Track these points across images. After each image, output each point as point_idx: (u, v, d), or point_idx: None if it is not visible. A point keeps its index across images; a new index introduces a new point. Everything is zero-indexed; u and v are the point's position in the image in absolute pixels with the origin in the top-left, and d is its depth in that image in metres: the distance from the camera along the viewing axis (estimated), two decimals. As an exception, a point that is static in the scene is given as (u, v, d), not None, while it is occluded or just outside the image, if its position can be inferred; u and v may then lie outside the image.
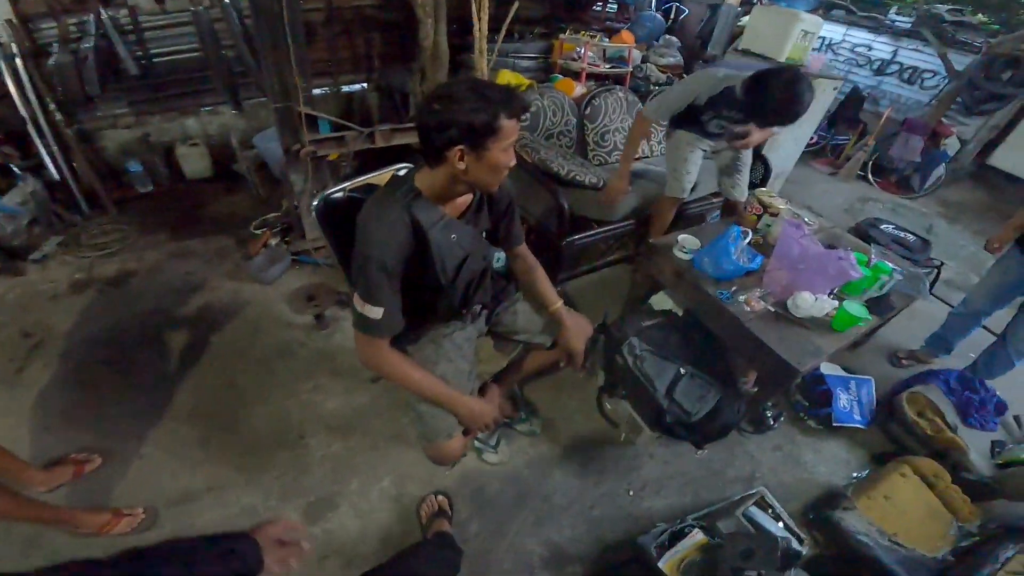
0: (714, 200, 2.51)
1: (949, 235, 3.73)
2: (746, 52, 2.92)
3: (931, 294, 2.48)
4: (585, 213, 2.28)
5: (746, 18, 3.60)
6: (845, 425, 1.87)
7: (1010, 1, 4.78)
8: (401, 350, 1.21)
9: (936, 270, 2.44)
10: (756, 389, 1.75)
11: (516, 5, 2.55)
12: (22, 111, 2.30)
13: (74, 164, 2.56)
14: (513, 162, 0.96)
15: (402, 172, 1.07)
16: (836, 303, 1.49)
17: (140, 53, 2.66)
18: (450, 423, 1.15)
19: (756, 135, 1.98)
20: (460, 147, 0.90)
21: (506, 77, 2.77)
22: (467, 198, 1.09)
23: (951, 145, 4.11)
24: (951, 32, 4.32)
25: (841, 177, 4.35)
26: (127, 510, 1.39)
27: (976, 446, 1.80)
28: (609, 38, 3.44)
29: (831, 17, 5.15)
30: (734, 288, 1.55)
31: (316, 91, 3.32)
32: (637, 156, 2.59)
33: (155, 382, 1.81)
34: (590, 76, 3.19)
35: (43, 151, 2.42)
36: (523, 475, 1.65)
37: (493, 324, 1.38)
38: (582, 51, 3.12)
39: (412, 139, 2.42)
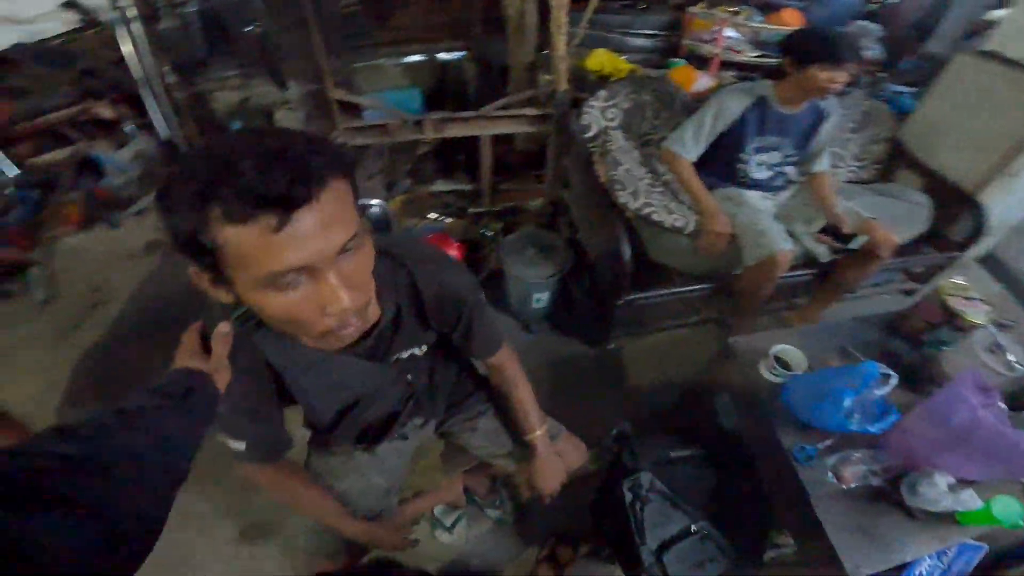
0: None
1: None
2: (992, 56, 1.94)
3: None
4: (666, 260, 1.76)
5: (1001, 11, 2.43)
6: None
7: None
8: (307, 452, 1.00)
9: None
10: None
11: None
12: (137, 73, 2.48)
13: (183, 125, 2.72)
14: (339, 304, 0.50)
15: None
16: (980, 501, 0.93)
17: (245, 17, 2.70)
18: (335, 546, 0.99)
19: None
20: (194, 267, 0.52)
21: (599, 59, 2.23)
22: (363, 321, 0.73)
23: None
24: None
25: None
26: None
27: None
28: (764, 16, 2.62)
29: None
30: (827, 444, 1.01)
31: (412, 58, 3.16)
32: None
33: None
34: (727, 65, 2.47)
35: (153, 112, 2.60)
36: (472, 564, 1.40)
37: (444, 433, 1.08)
38: (718, 30, 2.40)
39: (476, 131, 2.10)
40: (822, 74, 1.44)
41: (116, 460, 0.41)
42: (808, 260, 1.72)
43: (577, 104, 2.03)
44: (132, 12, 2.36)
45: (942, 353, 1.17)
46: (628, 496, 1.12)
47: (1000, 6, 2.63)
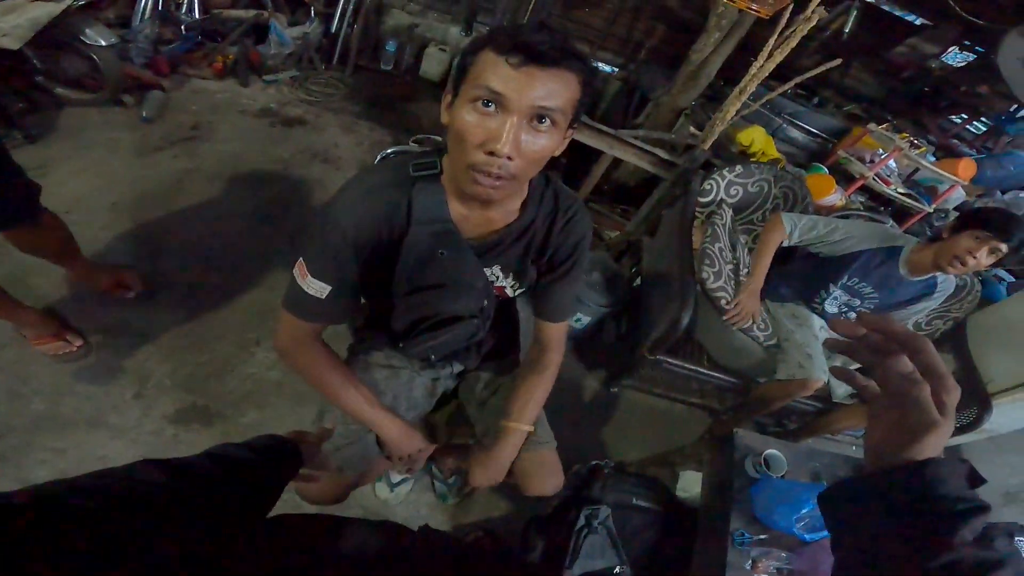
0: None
1: None
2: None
3: None
4: (707, 342, 1.91)
5: None
6: None
7: None
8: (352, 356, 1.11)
9: None
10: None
11: (834, 64, 2.17)
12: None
13: (354, 26, 3.07)
14: (498, 141, 0.64)
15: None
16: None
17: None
18: (366, 451, 1.01)
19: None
20: (448, 90, 0.71)
21: (753, 136, 2.39)
22: (502, 215, 0.84)
23: None
24: None
25: None
26: (70, 336, 1.44)
27: None
28: (936, 158, 2.70)
29: None
30: (762, 538, 1.18)
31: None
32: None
33: (240, 229, 2.01)
34: (867, 191, 2.58)
35: (340, 7, 2.98)
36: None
37: (459, 394, 1.20)
38: (881, 155, 2.51)
39: (602, 146, 2.22)
40: (968, 242, 1.46)
41: (194, 493, 0.50)
42: (823, 394, 1.83)
43: (707, 167, 2.15)
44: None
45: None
46: (581, 521, 1.26)
47: None
